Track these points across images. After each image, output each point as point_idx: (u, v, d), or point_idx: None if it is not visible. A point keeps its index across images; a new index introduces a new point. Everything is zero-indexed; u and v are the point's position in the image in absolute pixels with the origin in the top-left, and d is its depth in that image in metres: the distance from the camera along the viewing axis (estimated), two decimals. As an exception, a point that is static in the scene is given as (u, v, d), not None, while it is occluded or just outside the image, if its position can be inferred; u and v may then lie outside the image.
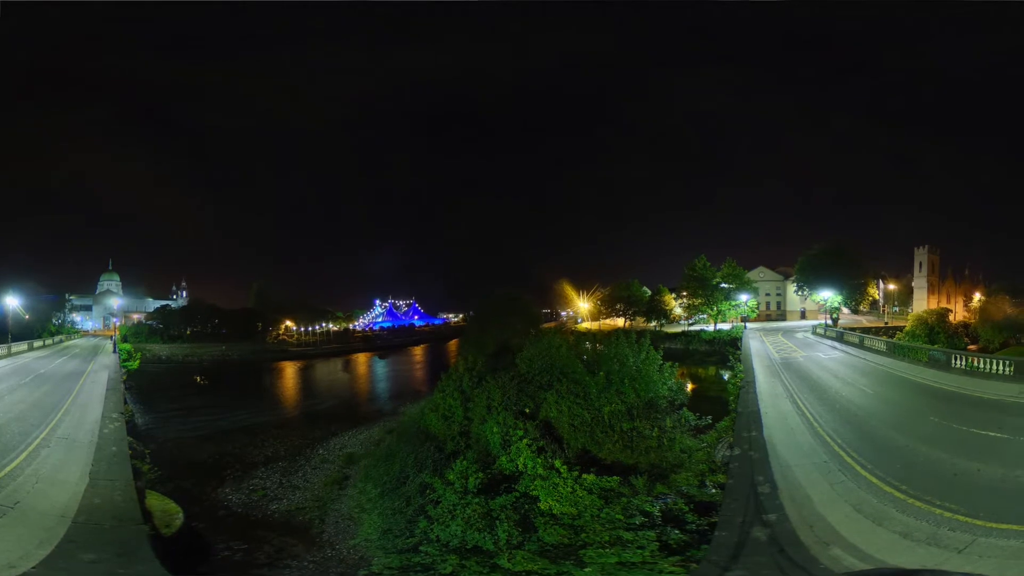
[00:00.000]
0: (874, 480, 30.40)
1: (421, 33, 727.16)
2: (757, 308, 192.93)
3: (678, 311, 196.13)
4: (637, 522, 39.47)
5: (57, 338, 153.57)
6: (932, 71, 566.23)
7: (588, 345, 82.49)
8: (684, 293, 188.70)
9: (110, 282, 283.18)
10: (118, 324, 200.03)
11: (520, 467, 49.65)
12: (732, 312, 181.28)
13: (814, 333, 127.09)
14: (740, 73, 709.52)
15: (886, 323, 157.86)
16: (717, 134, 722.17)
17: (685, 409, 62.69)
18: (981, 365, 61.70)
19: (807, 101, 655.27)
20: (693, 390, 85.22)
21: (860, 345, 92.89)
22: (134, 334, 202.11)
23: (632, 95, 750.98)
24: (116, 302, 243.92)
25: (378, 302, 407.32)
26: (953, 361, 65.63)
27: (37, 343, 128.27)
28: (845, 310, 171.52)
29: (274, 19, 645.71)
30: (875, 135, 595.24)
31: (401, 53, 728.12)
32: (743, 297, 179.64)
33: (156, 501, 42.40)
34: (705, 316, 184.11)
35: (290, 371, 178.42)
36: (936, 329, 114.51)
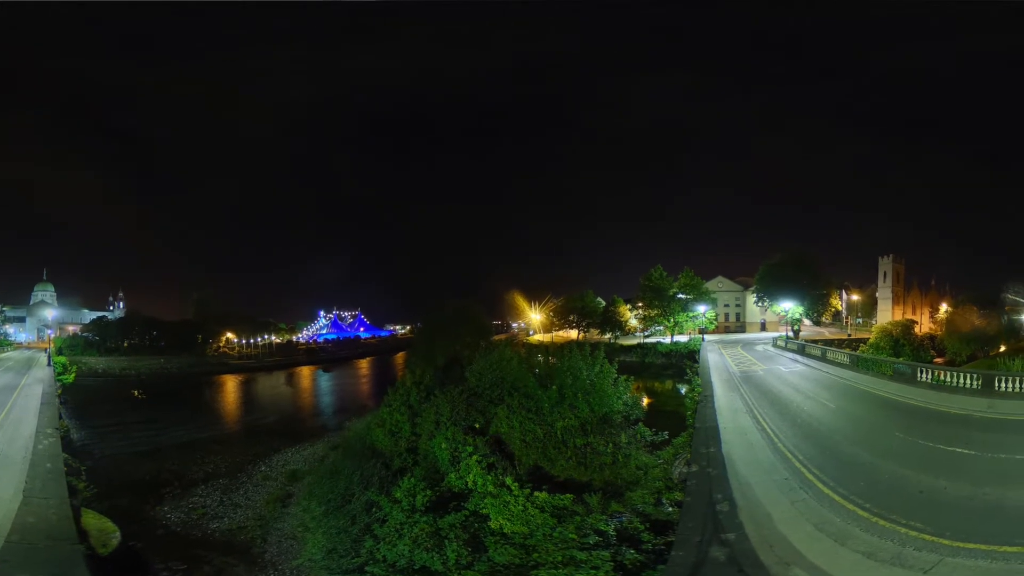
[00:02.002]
0: (837, 498, 30.34)
1: (371, 33, 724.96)
2: (716, 319, 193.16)
3: (634, 323, 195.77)
4: (591, 541, 39.33)
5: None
6: (907, 72, 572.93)
7: (540, 358, 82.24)
8: (640, 304, 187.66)
9: (44, 292, 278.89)
10: (53, 336, 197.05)
11: (470, 484, 49.51)
12: (690, 324, 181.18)
13: (775, 345, 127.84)
14: (706, 75, 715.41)
15: (849, 335, 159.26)
16: (680, 139, 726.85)
17: (641, 424, 62.83)
18: (948, 379, 62.20)
19: (775, 104, 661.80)
20: (649, 405, 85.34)
21: (822, 358, 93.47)
22: (69, 347, 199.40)
23: (592, 98, 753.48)
24: (51, 313, 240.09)
25: (323, 313, 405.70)
26: (919, 374, 66.15)
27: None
28: (807, 321, 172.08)
29: (221, 20, 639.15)
30: (844, 140, 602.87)
31: (350, 54, 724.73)
32: (701, 308, 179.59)
33: (92, 519, 42.63)
34: (662, 328, 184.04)
35: (231, 385, 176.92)
36: (901, 341, 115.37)
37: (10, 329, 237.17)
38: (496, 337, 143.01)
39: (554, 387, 64.18)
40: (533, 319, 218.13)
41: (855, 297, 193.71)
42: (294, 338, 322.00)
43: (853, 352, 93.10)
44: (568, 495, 46.43)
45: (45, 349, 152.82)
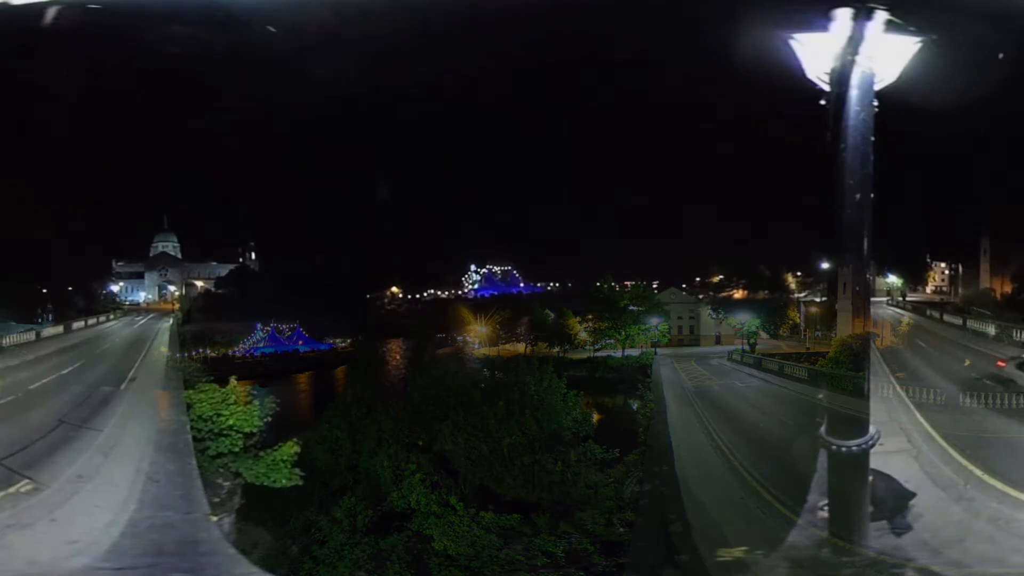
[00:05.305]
0: (795, 518, 30.46)
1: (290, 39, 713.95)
2: (668, 332, 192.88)
3: (583, 336, 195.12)
4: (539, 563, 39.26)
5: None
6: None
7: (486, 372, 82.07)
8: (590, 317, 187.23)
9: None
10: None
11: (413, 503, 49.18)
12: (641, 337, 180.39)
13: (730, 359, 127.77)
14: (646, 75, 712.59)
15: (808, 348, 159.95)
16: (622, 144, 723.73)
17: (591, 441, 62.67)
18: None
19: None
20: (599, 421, 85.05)
21: (780, 372, 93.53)
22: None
23: (531, 100, 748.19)
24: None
25: (259, 326, 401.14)
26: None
27: None
28: (764, 335, 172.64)
29: (136, 24, 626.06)
30: (800, 144, 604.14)
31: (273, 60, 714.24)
32: (653, 321, 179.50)
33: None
34: (612, 341, 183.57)
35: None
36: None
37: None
38: (440, 350, 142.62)
39: (501, 403, 63.85)
40: (479, 332, 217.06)
41: (813, 309, 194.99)
42: (230, 352, 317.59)
43: (812, 366, 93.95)
44: (515, 515, 46.27)
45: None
